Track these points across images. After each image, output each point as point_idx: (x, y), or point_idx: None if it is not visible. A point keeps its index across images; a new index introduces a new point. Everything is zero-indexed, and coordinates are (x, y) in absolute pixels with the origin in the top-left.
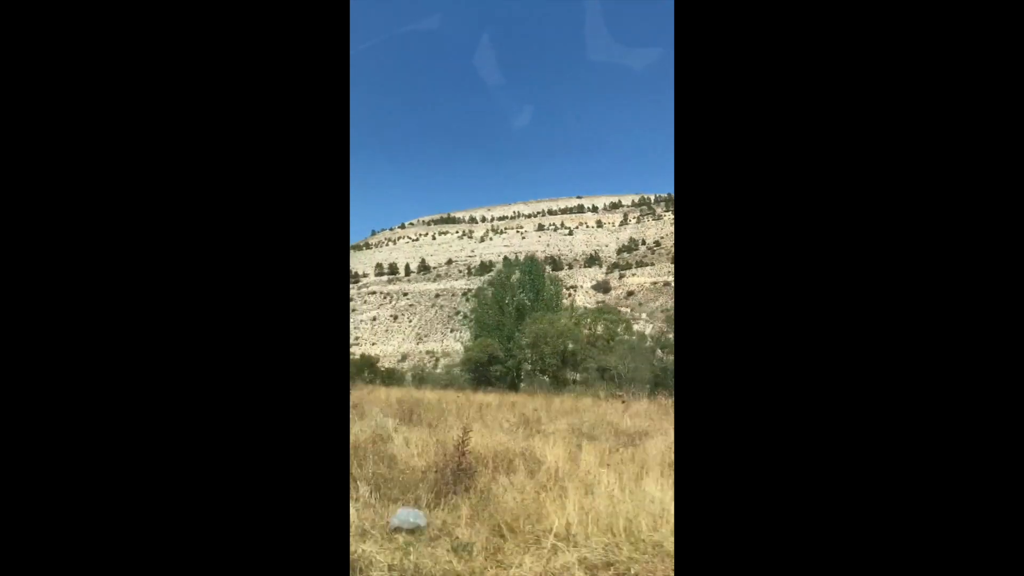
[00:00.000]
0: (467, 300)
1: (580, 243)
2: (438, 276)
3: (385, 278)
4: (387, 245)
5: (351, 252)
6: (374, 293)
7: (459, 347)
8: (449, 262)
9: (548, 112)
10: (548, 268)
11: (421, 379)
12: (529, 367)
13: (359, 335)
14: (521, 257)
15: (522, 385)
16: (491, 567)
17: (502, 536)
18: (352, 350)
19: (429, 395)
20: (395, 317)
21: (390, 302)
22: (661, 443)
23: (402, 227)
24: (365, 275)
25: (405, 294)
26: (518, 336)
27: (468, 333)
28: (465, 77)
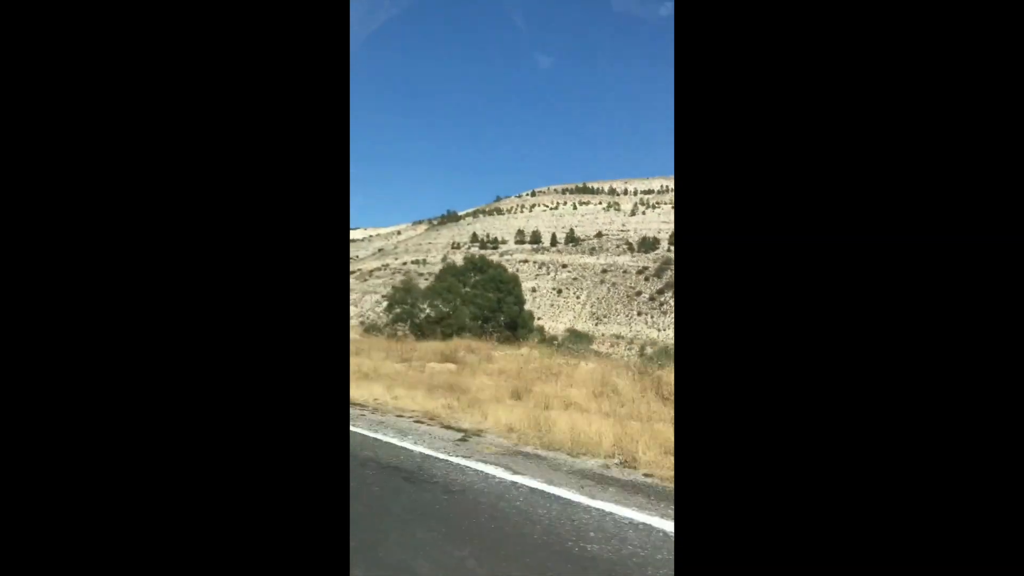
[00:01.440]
0: (647, 280)
1: None
2: (593, 249)
3: (528, 246)
4: (521, 211)
5: (481, 217)
6: (526, 262)
7: (656, 335)
8: (599, 235)
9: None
10: None
11: None
12: None
13: None
14: None
15: None
16: None
17: None
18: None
19: None
20: (559, 291)
21: (547, 273)
22: None
23: (532, 194)
24: (504, 241)
25: (564, 266)
26: None
27: (665, 319)
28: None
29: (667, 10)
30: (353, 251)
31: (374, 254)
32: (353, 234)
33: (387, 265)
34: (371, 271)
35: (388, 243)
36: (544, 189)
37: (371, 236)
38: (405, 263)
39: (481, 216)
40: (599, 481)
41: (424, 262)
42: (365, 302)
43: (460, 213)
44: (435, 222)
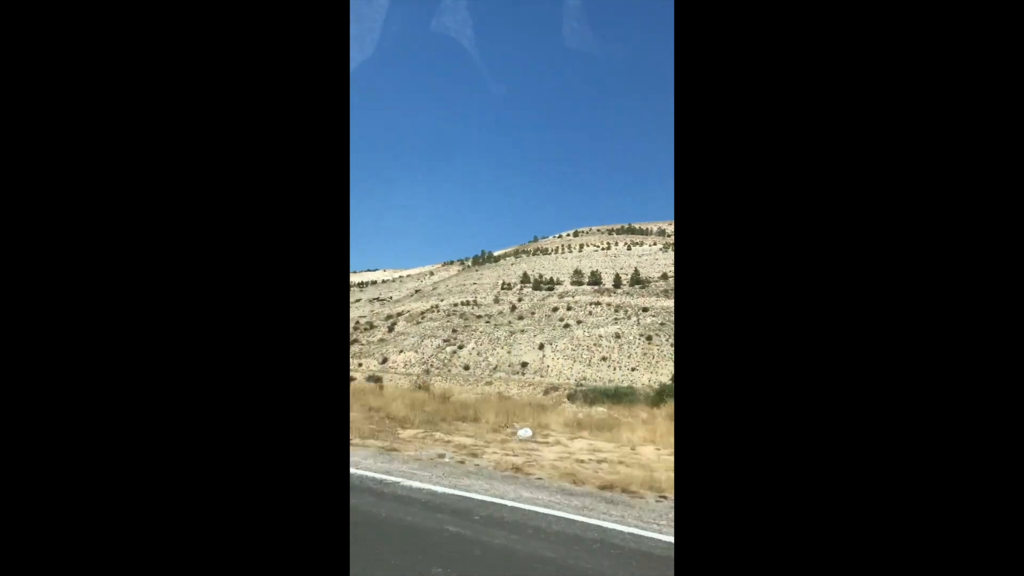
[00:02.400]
0: None
1: None
2: (666, 291)
3: (588, 287)
4: (568, 251)
5: (524, 257)
6: (597, 304)
7: None
8: (664, 276)
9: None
10: None
11: None
12: None
13: (607, 355)
14: None
15: None
16: None
17: None
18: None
19: None
20: (648, 337)
21: (627, 317)
22: None
23: (575, 234)
24: (559, 281)
25: (645, 309)
26: None
27: None
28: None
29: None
30: (386, 292)
31: (411, 295)
32: (382, 275)
33: (436, 307)
34: (422, 313)
35: (422, 284)
36: (587, 229)
37: (402, 277)
38: (455, 304)
39: (524, 256)
40: None
41: (475, 303)
42: (426, 347)
43: (496, 253)
44: (468, 262)
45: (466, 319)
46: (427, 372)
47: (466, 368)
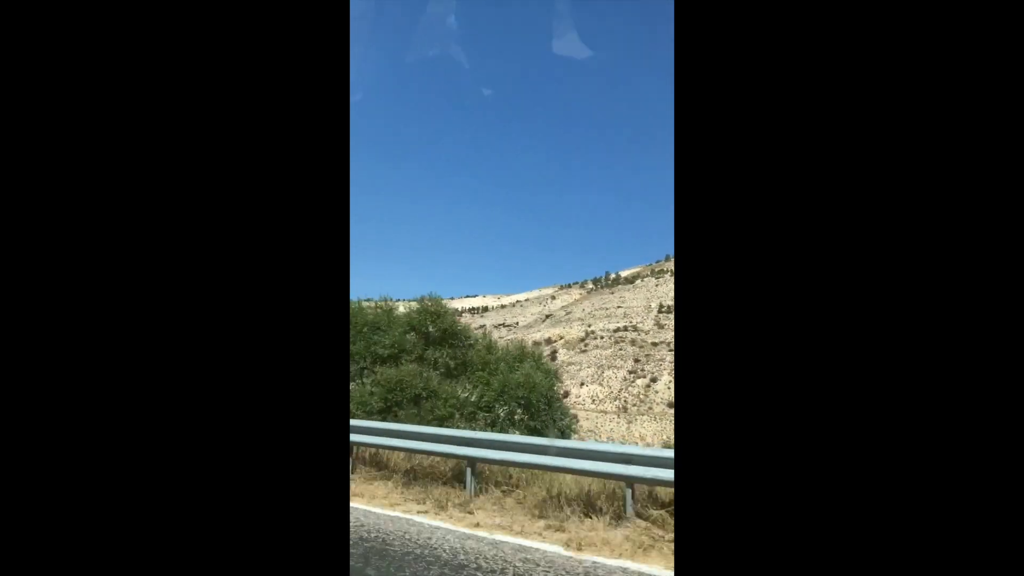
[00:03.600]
0: None
1: None
2: None
3: None
4: None
5: (666, 276)
6: None
7: None
8: None
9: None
10: None
11: None
12: None
13: None
14: None
15: None
16: None
17: None
18: None
19: None
20: None
21: None
22: None
23: None
24: None
25: None
26: None
27: None
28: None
29: None
30: (512, 317)
31: (540, 320)
32: (482, 301)
33: (592, 332)
34: (581, 339)
35: (547, 308)
36: None
37: (520, 302)
38: (614, 330)
39: (664, 276)
40: None
41: (634, 328)
42: (609, 379)
43: (624, 274)
44: (589, 284)
45: (641, 347)
46: (624, 409)
47: (670, 405)
